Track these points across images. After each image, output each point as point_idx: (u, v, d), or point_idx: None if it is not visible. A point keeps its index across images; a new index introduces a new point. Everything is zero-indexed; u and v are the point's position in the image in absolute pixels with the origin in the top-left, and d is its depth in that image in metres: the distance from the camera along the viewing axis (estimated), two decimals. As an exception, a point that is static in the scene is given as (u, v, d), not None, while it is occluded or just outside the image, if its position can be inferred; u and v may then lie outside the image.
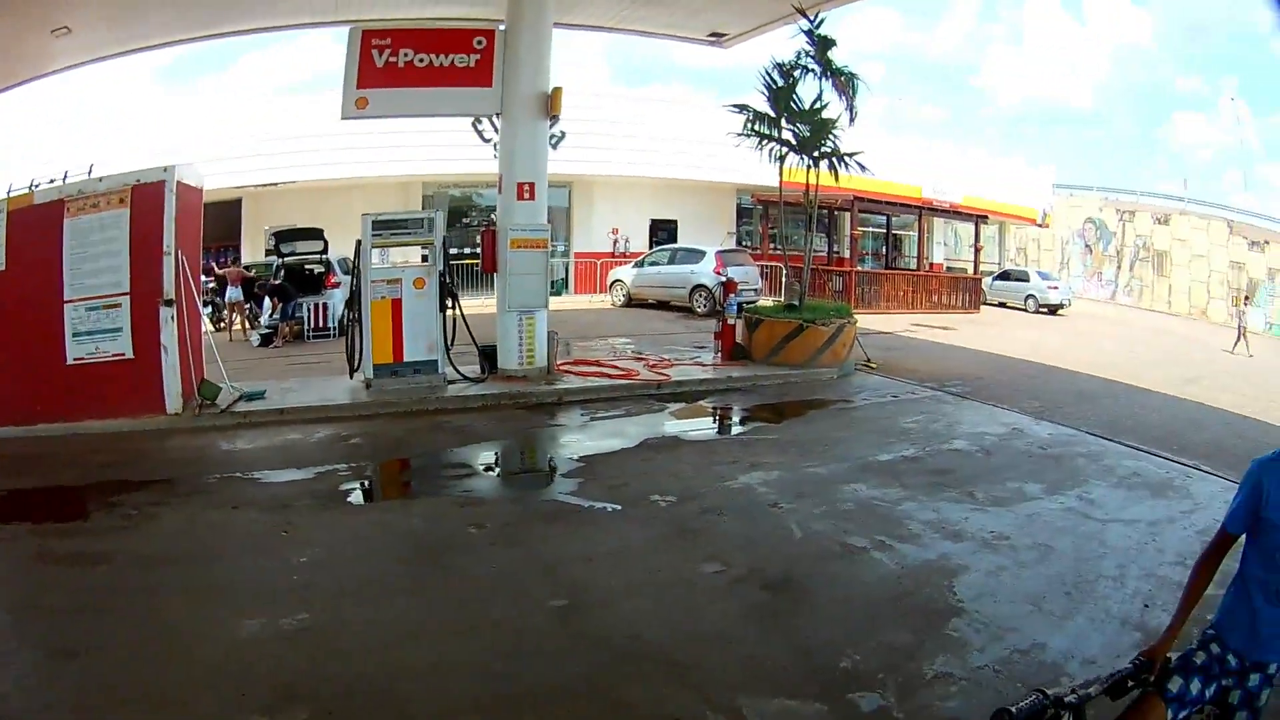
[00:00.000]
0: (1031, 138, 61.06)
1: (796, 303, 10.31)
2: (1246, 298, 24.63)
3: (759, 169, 10.75)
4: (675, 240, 19.60)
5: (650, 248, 19.11)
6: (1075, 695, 1.73)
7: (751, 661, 3.28)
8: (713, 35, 11.71)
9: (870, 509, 5.16)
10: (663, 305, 16.58)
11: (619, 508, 4.84)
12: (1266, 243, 28.98)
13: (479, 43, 8.88)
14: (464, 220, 19.23)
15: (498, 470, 6.36)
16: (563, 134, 9.03)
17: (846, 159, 10.05)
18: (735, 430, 7.55)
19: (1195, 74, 58.55)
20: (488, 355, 8.88)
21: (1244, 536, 2.06)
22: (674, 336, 12.33)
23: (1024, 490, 5.96)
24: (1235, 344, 19.40)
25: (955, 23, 63.02)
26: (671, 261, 16.75)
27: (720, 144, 11.41)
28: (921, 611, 3.84)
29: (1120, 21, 54.33)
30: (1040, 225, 27.57)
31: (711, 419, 7.88)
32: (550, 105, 8.91)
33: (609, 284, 18.20)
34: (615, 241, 20.03)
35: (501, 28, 8.99)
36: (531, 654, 3.33)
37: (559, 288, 18.43)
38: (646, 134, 18.42)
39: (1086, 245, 31.10)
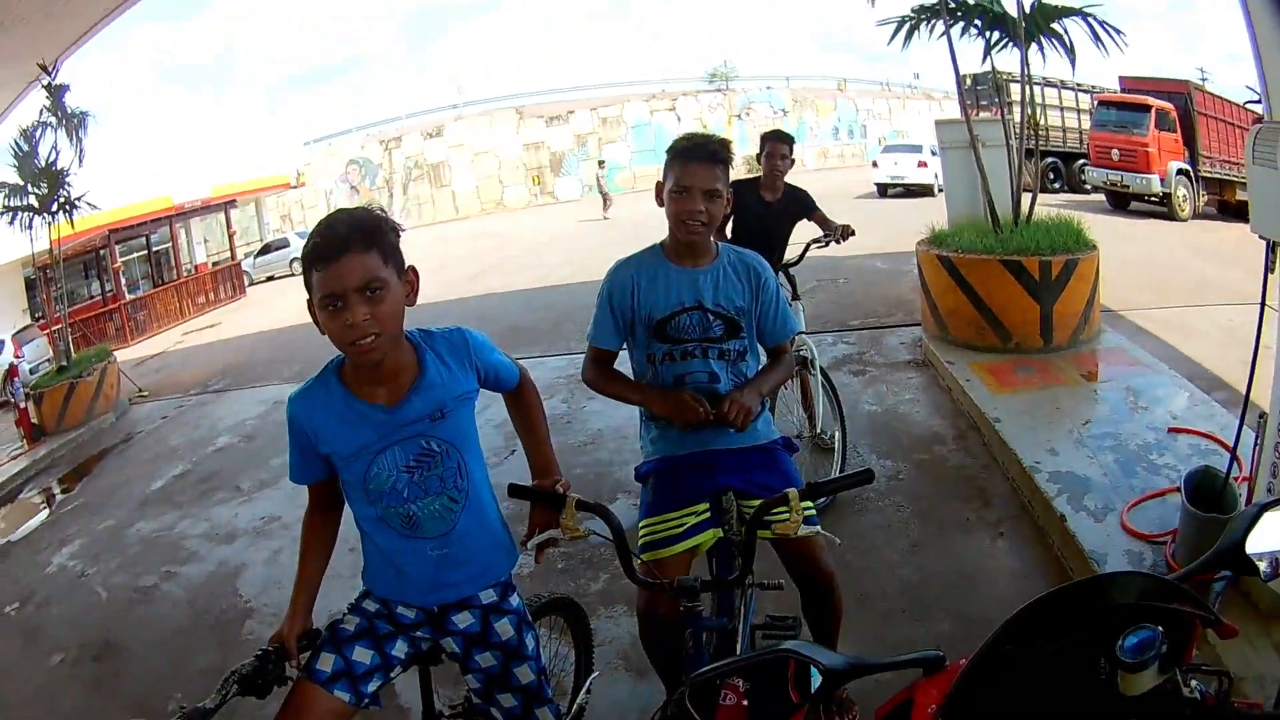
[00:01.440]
0: (295, 105, 60.68)
1: (65, 363, 10.05)
2: (601, 162, 25.18)
3: (34, 240, 10.32)
4: None
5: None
6: (184, 710, 1.47)
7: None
8: (-23, 122, 11.12)
9: (153, 544, 5.17)
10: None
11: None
12: (570, 113, 30.03)
13: None
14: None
15: None
16: None
17: (76, 203, 10.09)
18: (47, 512, 7.11)
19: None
20: None
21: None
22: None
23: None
24: (605, 208, 20.66)
25: (210, 17, 61.75)
26: None
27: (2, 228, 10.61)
28: (218, 626, 3.92)
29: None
30: (295, 186, 26.76)
31: (28, 509, 7.41)
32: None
33: None
34: None
35: None
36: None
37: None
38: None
39: (352, 187, 30.94)
